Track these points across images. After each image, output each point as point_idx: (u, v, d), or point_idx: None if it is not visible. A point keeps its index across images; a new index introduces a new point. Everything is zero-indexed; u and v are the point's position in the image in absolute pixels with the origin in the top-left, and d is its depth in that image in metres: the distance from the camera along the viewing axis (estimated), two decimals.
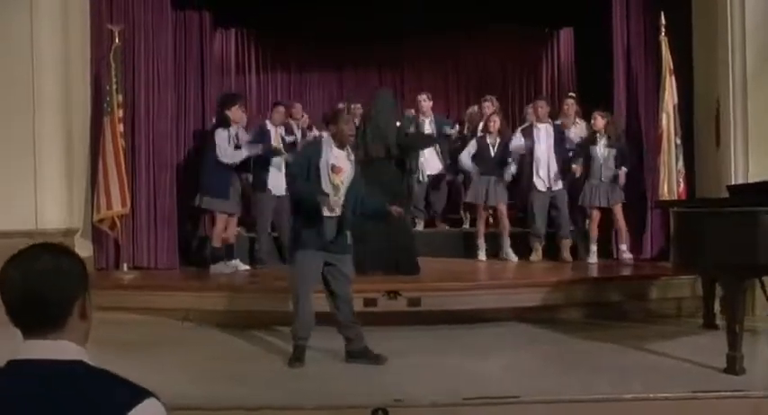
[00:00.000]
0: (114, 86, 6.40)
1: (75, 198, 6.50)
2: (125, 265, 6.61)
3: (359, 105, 8.50)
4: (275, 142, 7.17)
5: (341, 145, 4.43)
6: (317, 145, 4.52)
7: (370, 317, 5.32)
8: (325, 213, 4.29)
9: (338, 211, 4.37)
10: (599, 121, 6.79)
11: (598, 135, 6.82)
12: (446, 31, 10.07)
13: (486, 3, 8.78)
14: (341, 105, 8.85)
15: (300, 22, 9.80)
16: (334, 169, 4.35)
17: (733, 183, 5.70)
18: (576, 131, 7.41)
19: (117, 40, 6.50)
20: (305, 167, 4.38)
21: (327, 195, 4.29)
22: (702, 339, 5.05)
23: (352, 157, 4.51)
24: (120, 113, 6.46)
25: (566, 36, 10.44)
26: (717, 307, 5.27)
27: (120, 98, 6.47)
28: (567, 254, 7.07)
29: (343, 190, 4.39)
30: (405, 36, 10.19)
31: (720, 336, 4.69)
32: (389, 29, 9.85)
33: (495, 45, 10.70)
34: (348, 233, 4.46)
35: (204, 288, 6.07)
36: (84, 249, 6.66)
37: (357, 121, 7.94)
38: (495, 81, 10.75)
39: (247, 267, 6.98)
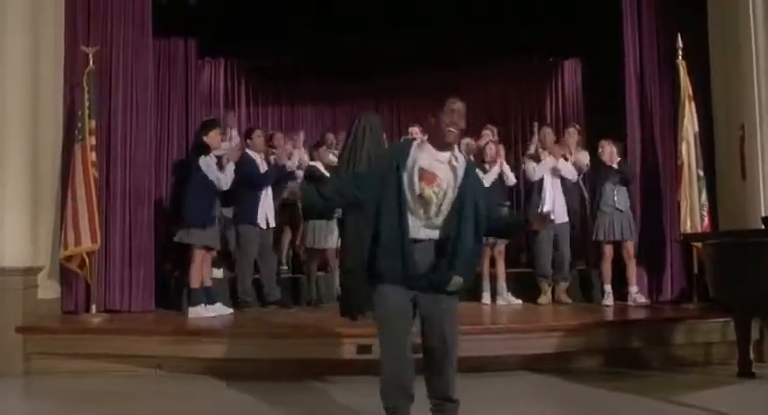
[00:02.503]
0: (87, 112, 6.04)
1: (41, 232, 6.07)
2: (94, 307, 6.13)
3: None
4: (260, 170, 6.85)
5: (440, 145, 3.21)
6: (404, 144, 3.37)
7: (364, 365, 4.88)
8: (413, 235, 3.12)
9: (431, 233, 3.15)
10: (606, 149, 6.54)
11: (606, 164, 6.55)
12: (447, 63, 9.85)
13: (488, 34, 8.60)
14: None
15: (294, 53, 9.61)
16: (424, 175, 3.13)
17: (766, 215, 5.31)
18: (576, 160, 7.03)
19: (91, 63, 6.16)
20: (378, 175, 3.21)
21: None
22: (738, 390, 4.59)
23: (459, 160, 3.22)
24: (93, 141, 6.09)
25: (570, 67, 10.25)
26: (752, 353, 4.84)
27: (93, 124, 6.10)
28: (565, 297, 6.71)
29: (437, 206, 3.14)
30: (403, 68, 9.98)
31: (759, 386, 4.27)
32: (388, 61, 9.66)
33: (497, 76, 10.51)
34: (459, 267, 3.15)
35: (180, 333, 5.59)
36: (49, 290, 6.22)
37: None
38: (497, 113, 10.48)
39: (230, 310, 6.52)
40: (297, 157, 7.53)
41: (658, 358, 5.41)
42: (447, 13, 8.10)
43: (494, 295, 6.86)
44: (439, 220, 3.14)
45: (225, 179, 6.32)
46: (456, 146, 3.29)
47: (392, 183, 3.12)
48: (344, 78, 10.28)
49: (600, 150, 6.59)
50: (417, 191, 3.10)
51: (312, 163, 7.33)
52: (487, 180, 6.50)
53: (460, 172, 3.17)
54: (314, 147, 7.61)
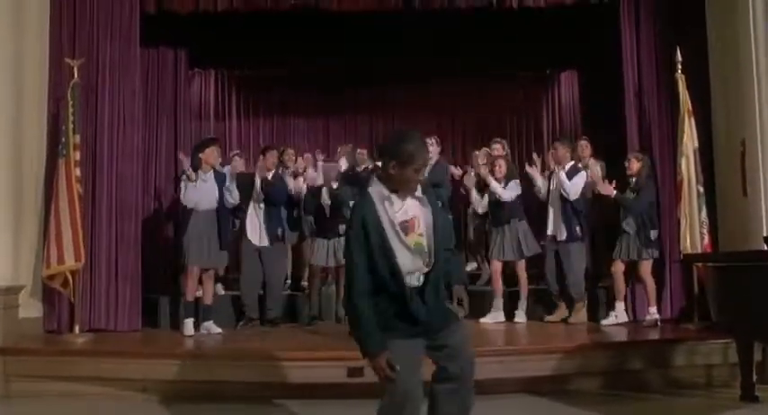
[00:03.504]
0: (71, 126, 5.95)
1: (23, 249, 5.96)
2: (77, 327, 6.00)
3: (364, 151, 7.86)
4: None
5: (404, 191, 2.93)
6: (363, 201, 2.94)
7: (354, 389, 4.79)
8: (410, 282, 2.91)
9: (422, 278, 2.95)
10: (634, 164, 6.32)
11: (631, 179, 6.36)
12: (440, 76, 9.80)
13: (482, 46, 8.54)
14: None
15: (287, 65, 9.54)
16: (406, 226, 2.90)
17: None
18: (591, 173, 6.92)
19: (76, 76, 6.07)
20: (360, 241, 2.86)
21: None
22: (741, 414, 4.50)
23: (424, 193, 3.01)
24: (77, 156, 5.99)
25: (567, 78, 10.21)
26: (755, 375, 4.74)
27: (78, 139, 6.00)
28: (575, 317, 6.55)
29: (428, 247, 2.95)
30: (396, 80, 9.92)
31: (762, 410, 4.18)
32: (380, 73, 9.61)
33: (492, 89, 10.40)
34: (449, 297, 3.14)
35: (167, 355, 5.47)
36: (31, 309, 6.10)
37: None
38: (492, 126, 10.40)
39: (219, 330, 6.42)
40: (309, 179, 7.38)
41: (658, 380, 5.31)
42: (444, 25, 8.05)
43: (509, 313, 6.77)
44: (430, 260, 2.94)
45: (233, 193, 6.34)
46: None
47: (376, 247, 2.85)
48: (338, 90, 10.22)
49: (627, 164, 6.39)
50: (409, 244, 2.87)
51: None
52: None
53: (425, 201, 2.98)
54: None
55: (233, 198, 6.41)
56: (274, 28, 7.92)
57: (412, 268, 2.87)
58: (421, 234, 2.91)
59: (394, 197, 2.88)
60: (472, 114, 10.66)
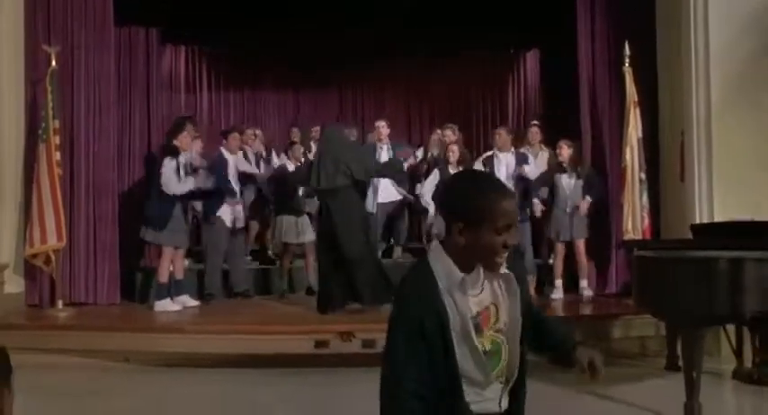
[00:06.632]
0: (50, 112, 6.38)
1: (4, 230, 6.43)
2: (60, 302, 6.53)
3: (317, 128, 8.51)
4: (233, 171, 7.30)
5: (484, 268, 1.95)
6: (424, 285, 1.92)
7: (321, 359, 5.41)
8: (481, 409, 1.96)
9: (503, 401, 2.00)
10: (565, 150, 6.94)
11: (564, 164, 6.99)
12: (409, 55, 10.25)
13: (450, 25, 8.97)
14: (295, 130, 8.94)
15: (257, 41, 9.89)
16: (479, 325, 1.94)
17: (697, 221, 5.92)
18: (541, 160, 7.59)
19: (54, 63, 6.47)
20: (417, 349, 1.88)
21: None
22: (664, 383, 5.20)
23: (511, 269, 1.99)
24: (57, 140, 6.44)
25: (532, 58, 10.66)
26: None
27: (57, 124, 6.44)
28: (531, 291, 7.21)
29: (507, 349, 1.97)
30: (366, 59, 10.32)
31: (681, 378, 4.84)
32: (350, 51, 9.99)
33: (459, 68, 10.86)
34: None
35: (147, 328, 6.05)
36: (14, 284, 6.61)
37: (312, 145, 8.17)
38: (459, 105, 10.94)
39: (196, 302, 6.97)
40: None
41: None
42: (413, 4, 8.45)
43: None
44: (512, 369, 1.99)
45: (172, 183, 6.56)
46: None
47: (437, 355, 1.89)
48: (307, 66, 10.59)
49: (558, 150, 7.04)
50: (480, 348, 1.92)
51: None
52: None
53: (512, 281, 1.98)
54: (288, 146, 8.11)
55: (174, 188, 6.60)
56: (244, 3, 8.26)
57: (482, 381, 1.95)
58: (500, 330, 1.98)
59: (468, 278, 1.92)
60: (439, 93, 11.14)
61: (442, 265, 1.92)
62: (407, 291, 1.99)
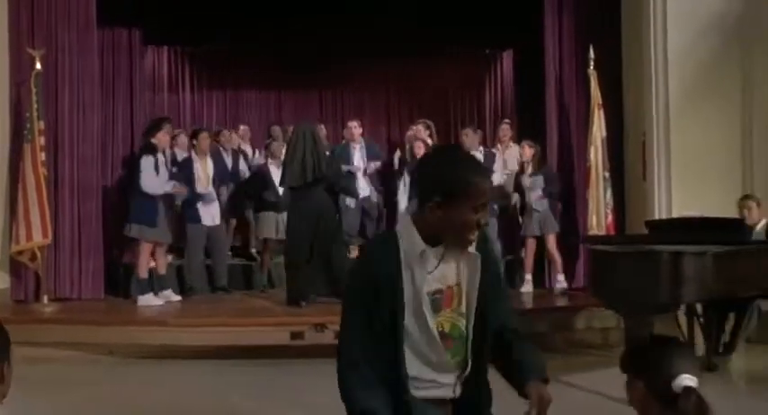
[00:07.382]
0: (35, 113, 6.61)
1: None
2: (45, 297, 6.78)
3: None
4: (202, 174, 7.46)
5: (451, 245, 1.99)
6: (383, 249, 2.00)
7: (295, 350, 5.70)
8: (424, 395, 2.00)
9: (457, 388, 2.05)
10: (527, 151, 7.28)
11: (525, 164, 7.33)
12: (388, 54, 10.50)
13: (429, 25, 9.22)
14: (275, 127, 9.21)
15: (238, 41, 10.08)
16: (438, 300, 1.99)
17: (655, 217, 6.27)
18: (509, 156, 7.91)
19: (38, 65, 6.70)
20: (362, 316, 1.97)
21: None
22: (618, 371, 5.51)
23: (480, 250, 2.03)
24: (42, 141, 6.67)
25: (507, 58, 10.93)
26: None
27: (42, 125, 6.68)
28: None
29: (465, 332, 2.03)
30: (346, 59, 10.55)
31: None
32: (330, 51, 10.19)
33: (439, 68, 11.12)
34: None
35: (131, 322, 6.32)
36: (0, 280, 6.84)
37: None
38: (439, 105, 11.22)
39: (179, 297, 7.22)
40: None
41: (563, 342, 6.33)
42: (392, 4, 8.72)
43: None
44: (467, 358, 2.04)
45: (151, 182, 6.72)
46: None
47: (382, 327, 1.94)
48: (288, 66, 10.80)
49: (521, 150, 7.41)
50: (433, 327, 1.97)
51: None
52: None
53: (477, 262, 2.01)
54: (268, 145, 8.36)
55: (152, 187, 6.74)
56: (225, 4, 8.49)
57: (436, 363, 1.98)
58: (462, 314, 2.01)
59: (430, 251, 1.95)
60: (419, 92, 11.42)
61: (408, 235, 1.96)
62: (368, 251, 2.10)
